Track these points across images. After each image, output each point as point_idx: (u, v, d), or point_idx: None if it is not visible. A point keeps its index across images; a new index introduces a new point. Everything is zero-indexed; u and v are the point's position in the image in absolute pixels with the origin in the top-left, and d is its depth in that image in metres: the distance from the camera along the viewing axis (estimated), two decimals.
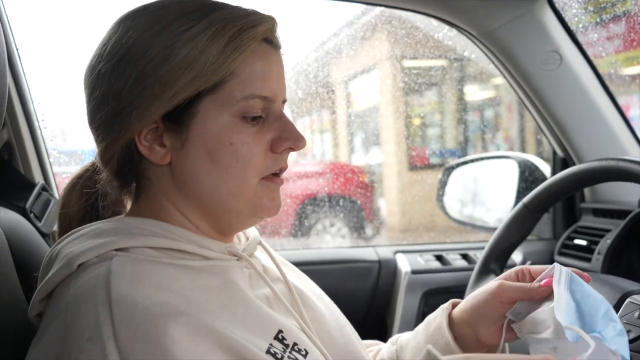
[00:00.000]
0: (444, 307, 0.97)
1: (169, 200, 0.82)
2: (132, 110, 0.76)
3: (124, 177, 0.83)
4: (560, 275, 0.80)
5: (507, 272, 0.91)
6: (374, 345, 1.11)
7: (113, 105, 0.77)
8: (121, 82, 0.76)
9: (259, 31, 0.78)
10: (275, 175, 0.83)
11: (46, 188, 1.43)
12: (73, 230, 0.82)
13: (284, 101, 0.86)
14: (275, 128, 0.81)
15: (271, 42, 0.82)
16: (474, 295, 0.92)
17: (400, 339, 1.04)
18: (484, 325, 0.89)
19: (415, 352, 0.98)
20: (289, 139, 0.81)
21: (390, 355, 1.02)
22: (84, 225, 0.83)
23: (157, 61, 0.75)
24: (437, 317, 0.97)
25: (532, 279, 0.87)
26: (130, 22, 0.79)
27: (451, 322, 0.95)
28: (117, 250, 0.74)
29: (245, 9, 0.80)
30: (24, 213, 1.26)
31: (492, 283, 0.89)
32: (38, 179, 1.45)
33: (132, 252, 0.75)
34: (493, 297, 0.87)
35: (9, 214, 1.14)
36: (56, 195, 1.51)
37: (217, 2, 0.80)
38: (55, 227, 1.39)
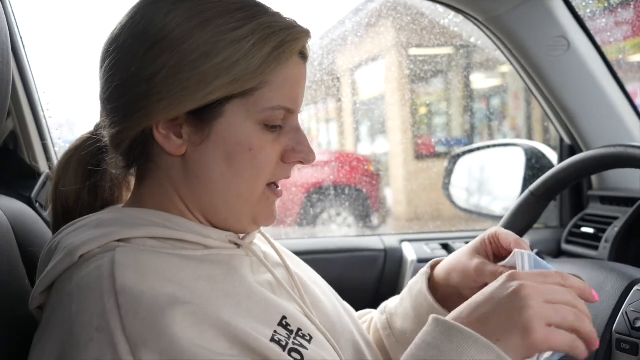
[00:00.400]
0: (423, 272, 1.00)
1: (174, 189, 0.81)
2: (161, 99, 0.75)
3: (132, 158, 0.82)
4: (523, 262, 0.80)
5: (479, 239, 0.92)
6: (366, 314, 1.13)
7: (139, 89, 0.75)
8: (153, 67, 0.74)
9: (298, 45, 0.80)
10: (275, 187, 0.85)
11: (51, 177, 1.43)
12: (72, 222, 0.82)
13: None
14: (290, 139, 0.82)
15: (303, 54, 0.83)
16: (452, 265, 0.94)
17: (388, 306, 1.06)
18: (465, 289, 0.91)
19: (404, 317, 0.99)
20: (301, 152, 0.82)
21: (382, 324, 1.04)
22: (83, 217, 0.82)
23: (197, 55, 0.74)
24: (418, 282, 0.99)
25: (501, 245, 0.90)
26: (169, 4, 0.77)
27: (434, 284, 0.97)
28: (118, 241, 0.74)
29: (286, 19, 0.80)
30: (29, 202, 1.27)
31: (469, 260, 0.91)
32: (43, 168, 1.46)
33: (133, 242, 0.75)
34: (469, 276, 0.89)
35: (14, 203, 1.14)
36: None
37: (260, 4, 0.80)
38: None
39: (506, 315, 0.66)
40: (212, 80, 0.75)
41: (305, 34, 0.81)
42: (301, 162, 0.83)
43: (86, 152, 0.88)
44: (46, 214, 1.34)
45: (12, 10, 1.44)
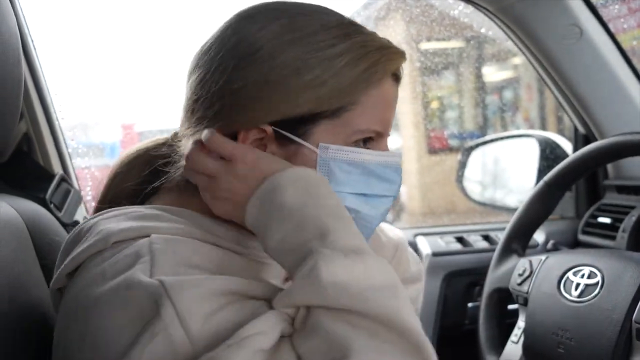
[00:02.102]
0: None
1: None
2: (245, 111, 0.75)
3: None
4: None
5: None
6: None
7: (224, 102, 0.75)
8: (241, 81, 0.74)
9: (392, 66, 0.78)
10: None
11: (65, 179, 1.44)
12: (110, 209, 0.78)
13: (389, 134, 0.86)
14: None
15: (396, 76, 0.81)
16: None
17: None
18: None
19: None
20: None
21: None
22: (121, 207, 0.79)
23: (287, 72, 0.73)
24: None
25: None
26: (263, 20, 0.76)
27: None
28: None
29: (381, 39, 0.79)
30: (44, 203, 1.28)
31: None
32: (57, 170, 1.47)
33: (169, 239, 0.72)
34: None
35: (29, 205, 1.15)
36: (75, 185, 1.52)
37: (355, 23, 0.79)
38: (76, 217, 1.42)
39: None
40: (299, 95, 0.73)
41: (400, 55, 0.79)
42: None
43: (157, 154, 0.87)
44: (61, 214, 1.35)
45: (23, 13, 1.45)
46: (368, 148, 0.79)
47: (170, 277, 0.62)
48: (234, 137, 0.76)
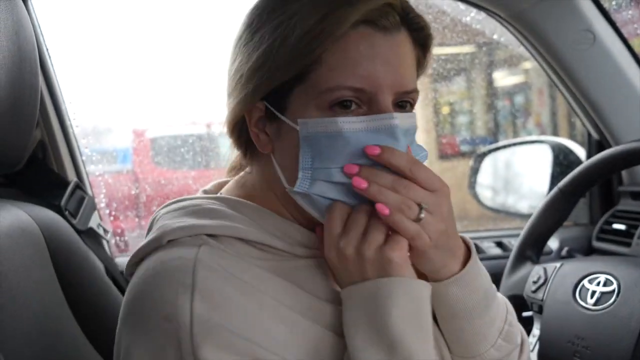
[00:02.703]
0: None
1: (269, 188, 0.80)
2: (234, 92, 0.77)
3: (243, 150, 0.83)
4: None
5: None
6: None
7: (231, 88, 0.78)
8: (238, 64, 0.77)
9: (356, 14, 0.69)
10: None
11: (80, 186, 1.45)
12: (178, 199, 0.82)
13: (407, 93, 0.75)
14: None
15: (375, 24, 0.71)
16: None
17: None
18: None
19: None
20: None
21: None
22: (187, 197, 0.82)
23: (254, 47, 0.74)
24: None
25: None
26: (257, 3, 0.78)
27: None
28: (208, 235, 0.73)
29: None
30: (59, 211, 1.29)
31: None
32: (71, 177, 1.48)
33: (221, 240, 0.73)
34: None
35: (45, 212, 1.16)
36: (89, 192, 1.54)
37: None
38: (90, 224, 1.43)
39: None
40: (266, 64, 0.72)
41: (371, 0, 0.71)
42: None
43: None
44: (75, 221, 1.36)
45: (39, 23, 1.47)
46: (354, 114, 0.71)
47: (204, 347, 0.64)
48: (242, 121, 0.78)
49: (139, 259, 0.75)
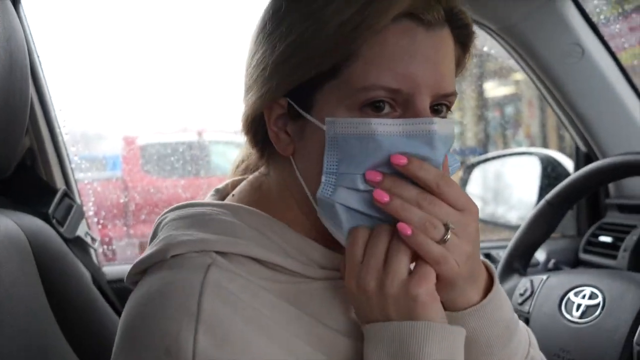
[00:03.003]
0: None
1: (288, 194, 0.73)
2: (254, 86, 0.70)
3: (259, 150, 0.76)
4: None
5: None
6: None
7: (249, 84, 0.72)
8: (258, 58, 0.70)
9: (398, 6, 0.63)
10: None
11: (68, 194, 1.45)
12: (187, 203, 0.75)
13: (446, 96, 0.69)
14: None
15: (418, 18, 0.64)
16: None
17: None
18: None
19: None
20: None
21: None
22: (197, 202, 0.75)
23: (281, 37, 0.67)
24: None
25: None
26: None
27: None
28: (216, 252, 0.67)
29: None
30: (46, 219, 1.28)
31: None
32: (60, 185, 1.47)
33: (230, 259, 0.67)
34: None
35: (32, 220, 1.15)
36: (78, 201, 1.53)
37: None
38: (77, 232, 1.42)
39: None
40: (287, 60, 0.66)
41: None
42: None
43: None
44: (63, 229, 1.35)
45: (30, 30, 1.46)
46: (389, 116, 0.65)
47: None
48: (260, 118, 0.71)
49: (141, 269, 0.69)
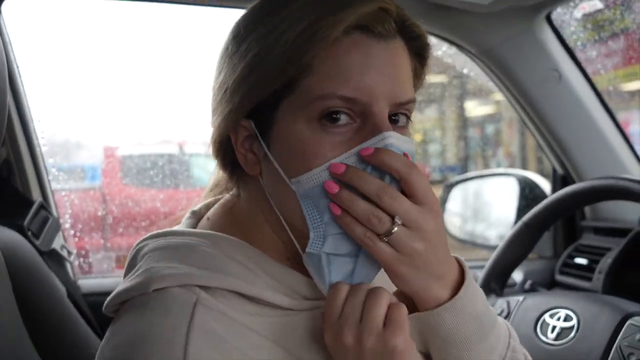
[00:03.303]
0: None
1: (260, 213, 0.74)
2: (219, 108, 0.71)
3: (228, 172, 0.77)
4: None
5: None
6: None
7: (219, 96, 0.72)
8: (225, 75, 0.71)
9: (347, 18, 0.64)
10: None
11: (44, 206, 1.43)
12: (168, 231, 0.75)
13: (403, 104, 0.69)
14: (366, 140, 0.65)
15: (370, 30, 0.66)
16: None
17: None
18: None
19: None
20: None
21: None
22: (178, 231, 0.75)
23: (240, 58, 0.68)
24: None
25: None
26: (246, 12, 0.72)
27: None
28: (200, 286, 0.66)
29: None
30: (21, 231, 1.26)
31: None
32: (36, 197, 1.45)
33: (214, 293, 0.67)
34: None
35: (6, 232, 1.14)
36: (54, 213, 1.51)
37: None
38: (53, 245, 1.40)
39: None
40: (244, 80, 0.67)
41: (361, 2, 0.65)
42: None
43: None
44: (38, 242, 1.33)
45: (9, 39, 1.45)
46: (345, 129, 0.65)
47: None
48: (228, 140, 0.72)
49: (121, 300, 0.68)
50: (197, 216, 0.81)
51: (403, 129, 0.71)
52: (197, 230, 0.76)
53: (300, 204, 0.66)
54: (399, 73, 0.68)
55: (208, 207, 0.82)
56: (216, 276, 0.67)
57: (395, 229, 0.62)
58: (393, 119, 0.69)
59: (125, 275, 0.72)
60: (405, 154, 0.66)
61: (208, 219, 0.79)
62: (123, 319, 0.67)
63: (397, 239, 0.63)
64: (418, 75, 0.76)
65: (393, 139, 0.64)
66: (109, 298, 0.70)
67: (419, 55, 0.74)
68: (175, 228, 0.77)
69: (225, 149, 0.74)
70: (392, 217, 0.63)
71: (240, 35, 0.70)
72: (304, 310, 0.70)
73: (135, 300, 0.67)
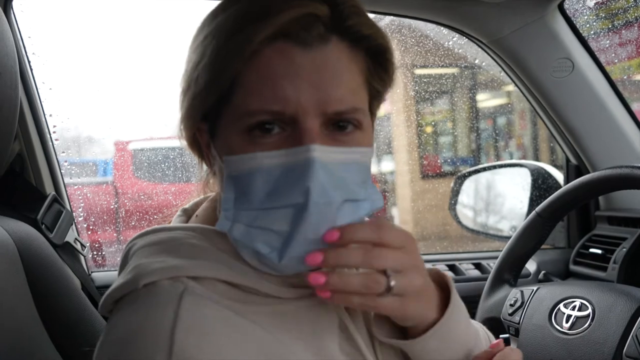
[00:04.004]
0: None
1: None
2: (181, 114, 0.73)
3: (208, 166, 0.77)
4: None
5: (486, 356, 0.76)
6: None
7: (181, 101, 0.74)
8: (183, 85, 0.73)
9: (262, 28, 0.62)
10: None
11: (57, 199, 1.44)
12: (155, 228, 0.74)
13: (340, 114, 0.66)
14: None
15: (293, 38, 0.63)
16: None
17: None
18: None
19: None
20: None
21: None
22: (165, 227, 0.75)
23: (184, 71, 0.71)
24: None
25: None
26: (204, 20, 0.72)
27: None
28: (189, 277, 0.67)
29: (261, 2, 0.64)
30: (35, 224, 1.27)
31: None
32: (49, 190, 1.46)
33: (202, 282, 0.67)
34: None
35: (20, 226, 1.15)
36: (67, 206, 1.52)
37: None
38: (66, 238, 1.41)
39: None
40: (191, 89, 0.68)
41: (282, 9, 0.62)
42: None
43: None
44: (52, 235, 1.34)
45: (20, 34, 1.46)
46: (275, 138, 0.64)
47: None
48: (197, 141, 0.74)
49: (114, 299, 0.69)
50: (187, 214, 0.81)
51: (349, 135, 0.67)
52: (184, 224, 0.76)
53: (224, 186, 0.67)
54: (332, 81, 0.64)
55: (198, 205, 0.83)
56: (205, 266, 0.67)
57: (393, 282, 0.63)
58: (340, 125, 0.67)
59: (119, 273, 0.73)
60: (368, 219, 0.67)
61: (197, 216, 0.79)
62: (117, 317, 0.68)
63: (399, 286, 0.64)
64: (378, 76, 0.72)
65: (316, 152, 0.62)
66: (102, 299, 0.70)
67: (375, 55, 0.70)
68: (165, 225, 0.77)
69: (199, 146, 0.75)
70: (384, 272, 0.63)
71: (193, 40, 0.71)
72: (293, 298, 0.70)
73: (127, 297, 0.67)
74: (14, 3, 1.39)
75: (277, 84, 0.63)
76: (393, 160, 7.18)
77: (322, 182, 0.62)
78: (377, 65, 0.71)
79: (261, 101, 0.63)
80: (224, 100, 0.66)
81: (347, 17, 0.65)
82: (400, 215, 7.09)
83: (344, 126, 0.67)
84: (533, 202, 1.92)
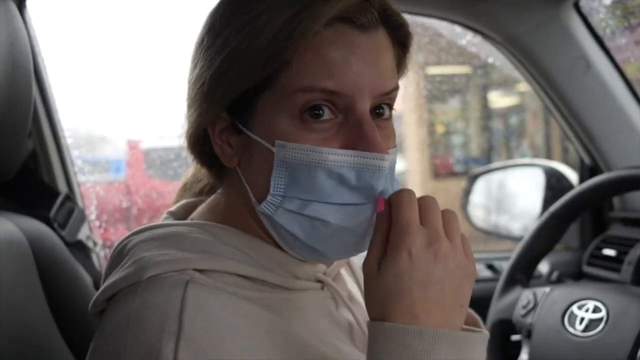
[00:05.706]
0: None
1: (242, 207, 0.73)
2: (195, 103, 0.70)
3: (208, 167, 0.76)
4: None
5: None
6: None
7: (196, 89, 0.71)
8: (197, 72, 0.70)
9: (326, 11, 0.63)
10: None
11: (70, 197, 1.44)
12: (152, 225, 0.74)
13: (386, 94, 0.68)
14: (350, 134, 0.65)
15: (352, 21, 0.65)
16: None
17: None
18: None
19: None
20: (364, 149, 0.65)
21: None
22: (164, 223, 0.74)
23: (217, 51, 0.67)
24: None
25: None
26: (219, 6, 0.71)
27: None
28: (195, 269, 0.66)
29: None
30: (47, 222, 1.28)
31: None
32: (62, 188, 1.47)
33: (210, 276, 0.66)
34: None
35: (33, 223, 1.15)
36: (80, 204, 1.53)
37: None
38: (79, 236, 1.42)
39: None
40: (224, 75, 0.66)
41: None
42: None
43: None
44: (64, 233, 1.35)
45: (34, 33, 1.47)
46: (328, 124, 0.65)
47: None
48: (204, 134, 0.72)
49: (111, 294, 0.67)
50: (175, 217, 0.80)
51: (387, 121, 0.71)
52: (183, 221, 0.76)
53: (272, 170, 0.66)
54: (383, 63, 0.68)
55: (185, 208, 0.81)
56: (212, 258, 0.67)
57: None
58: (377, 112, 0.69)
59: (109, 272, 0.71)
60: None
61: (192, 219, 0.78)
62: (113, 310, 0.66)
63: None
64: (401, 63, 0.76)
65: (386, 162, 0.66)
66: (95, 296, 0.69)
67: (401, 44, 0.74)
68: (162, 222, 0.76)
69: (202, 144, 0.73)
70: None
71: (216, 27, 0.69)
72: (297, 289, 0.72)
73: (125, 290, 0.66)
74: (28, 2, 1.40)
75: (335, 65, 0.64)
76: (405, 159, 7.16)
77: (385, 184, 0.66)
78: (402, 54, 0.75)
79: (317, 79, 0.64)
80: (268, 81, 0.65)
81: (387, 6, 0.69)
82: None
83: (380, 113, 0.69)
84: (546, 203, 1.90)
